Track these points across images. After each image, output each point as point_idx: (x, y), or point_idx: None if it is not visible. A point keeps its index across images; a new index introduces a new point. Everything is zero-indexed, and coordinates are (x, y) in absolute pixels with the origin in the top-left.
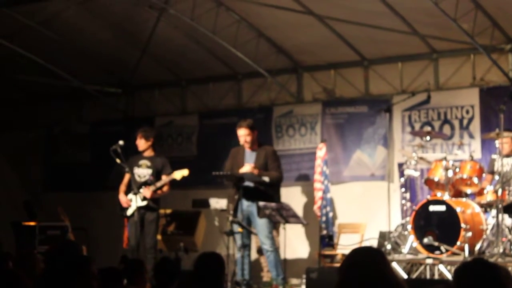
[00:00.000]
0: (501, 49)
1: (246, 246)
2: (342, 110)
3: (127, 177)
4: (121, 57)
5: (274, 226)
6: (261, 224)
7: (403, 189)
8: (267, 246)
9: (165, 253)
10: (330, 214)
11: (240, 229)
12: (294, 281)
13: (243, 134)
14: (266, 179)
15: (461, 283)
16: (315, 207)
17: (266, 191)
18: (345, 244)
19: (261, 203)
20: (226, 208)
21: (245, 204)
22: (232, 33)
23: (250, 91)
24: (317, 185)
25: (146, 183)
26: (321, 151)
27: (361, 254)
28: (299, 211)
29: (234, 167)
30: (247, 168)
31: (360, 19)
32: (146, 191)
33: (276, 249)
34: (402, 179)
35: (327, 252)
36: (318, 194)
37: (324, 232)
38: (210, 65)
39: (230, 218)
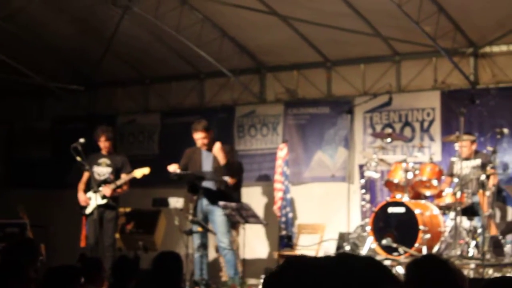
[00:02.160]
0: (462, 53)
1: (204, 246)
2: (304, 111)
3: (86, 175)
4: (85, 54)
5: (234, 226)
6: (219, 223)
7: (363, 191)
8: (225, 244)
9: (124, 252)
10: (290, 215)
11: (200, 229)
12: (252, 281)
13: (200, 137)
14: (227, 178)
15: (412, 279)
16: (275, 207)
17: (225, 192)
18: (304, 245)
19: (221, 203)
20: (183, 207)
21: (204, 203)
22: (196, 32)
23: (213, 90)
24: (277, 185)
25: (105, 181)
26: (282, 152)
27: None
28: (259, 211)
29: (191, 167)
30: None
31: (323, 21)
32: (106, 189)
33: (233, 248)
34: (362, 181)
35: (286, 252)
36: (278, 195)
37: (284, 232)
38: (173, 64)
39: (190, 217)
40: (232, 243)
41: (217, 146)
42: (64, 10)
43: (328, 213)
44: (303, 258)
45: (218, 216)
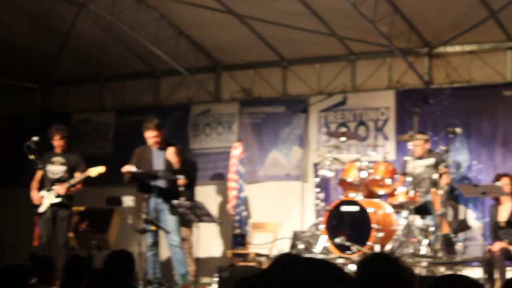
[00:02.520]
0: (417, 53)
1: (156, 244)
2: (260, 110)
3: (39, 174)
4: (41, 51)
5: (187, 224)
6: (171, 221)
7: (318, 189)
8: (176, 242)
9: (78, 251)
10: (244, 213)
11: (153, 228)
12: (206, 279)
13: (151, 136)
14: (181, 177)
15: (362, 277)
16: (229, 206)
17: (177, 191)
18: (258, 244)
19: (175, 202)
20: (135, 206)
21: (156, 201)
22: (152, 31)
23: (168, 88)
24: (231, 184)
25: (59, 180)
26: (237, 150)
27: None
28: (214, 210)
29: (142, 167)
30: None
31: (279, 20)
32: (60, 188)
33: (183, 246)
34: (317, 179)
35: (240, 251)
36: (232, 193)
37: (237, 231)
38: (128, 62)
39: (144, 216)
40: (182, 242)
41: (171, 150)
42: (21, 7)
43: (282, 212)
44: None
45: (169, 214)
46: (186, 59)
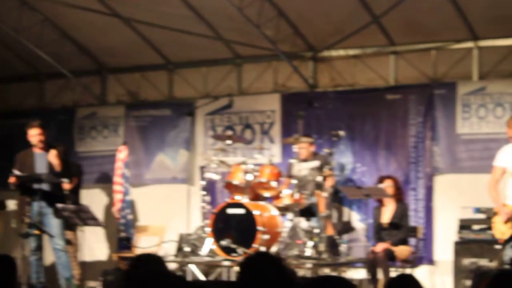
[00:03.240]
0: (302, 56)
1: (40, 248)
2: (146, 113)
3: None
4: None
5: (73, 228)
6: (55, 225)
7: (204, 192)
8: (61, 246)
9: None
10: (130, 217)
11: (37, 232)
12: (91, 283)
13: (36, 134)
14: (65, 180)
15: (244, 276)
16: (114, 209)
17: (61, 194)
18: (144, 247)
19: (60, 205)
20: (18, 210)
21: (39, 205)
22: (36, 33)
23: (53, 91)
24: (116, 187)
25: None
26: (122, 154)
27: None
28: (99, 213)
29: (25, 171)
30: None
31: (165, 23)
32: None
33: (67, 250)
34: (203, 182)
35: (125, 254)
36: (117, 196)
37: (123, 234)
38: (12, 64)
39: (27, 220)
40: (67, 245)
41: (52, 153)
42: None
43: (169, 215)
44: None
45: (53, 218)
46: (71, 62)
